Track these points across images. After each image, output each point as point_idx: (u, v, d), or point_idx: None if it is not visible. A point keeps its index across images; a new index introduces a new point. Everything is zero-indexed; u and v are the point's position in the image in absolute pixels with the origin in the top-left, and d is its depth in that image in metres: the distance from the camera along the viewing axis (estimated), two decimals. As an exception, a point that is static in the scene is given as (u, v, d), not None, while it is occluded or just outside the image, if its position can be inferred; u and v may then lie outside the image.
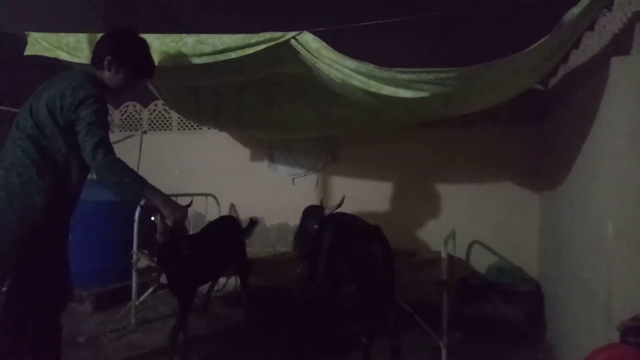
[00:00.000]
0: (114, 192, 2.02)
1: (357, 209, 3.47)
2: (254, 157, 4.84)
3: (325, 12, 4.35)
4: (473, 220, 4.01)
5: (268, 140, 4.71)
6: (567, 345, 2.81)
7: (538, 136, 3.84)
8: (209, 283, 3.57)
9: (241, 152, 4.86)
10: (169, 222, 2.08)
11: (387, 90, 2.31)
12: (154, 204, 2.07)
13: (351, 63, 2.30)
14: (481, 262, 3.96)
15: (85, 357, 2.90)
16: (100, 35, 2.63)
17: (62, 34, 2.81)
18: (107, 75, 2.17)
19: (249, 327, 3.35)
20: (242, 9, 4.73)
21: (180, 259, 2.49)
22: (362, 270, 2.35)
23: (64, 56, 2.81)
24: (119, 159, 1.99)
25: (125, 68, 2.18)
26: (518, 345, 3.19)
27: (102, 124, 2.00)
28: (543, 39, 2.09)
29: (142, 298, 3.54)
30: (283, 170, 4.74)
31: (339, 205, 2.29)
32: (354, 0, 4.40)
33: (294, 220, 4.66)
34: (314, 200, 4.58)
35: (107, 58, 2.14)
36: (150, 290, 3.57)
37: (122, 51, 2.17)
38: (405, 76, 2.21)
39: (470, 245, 4.02)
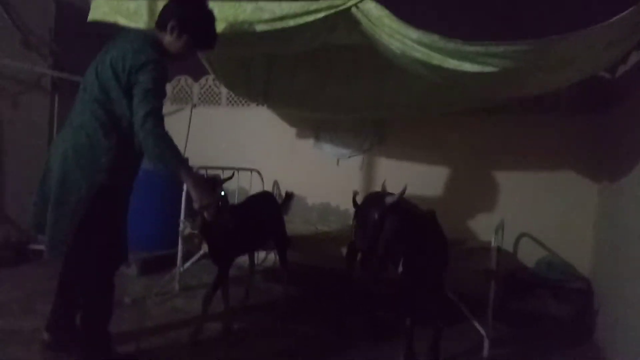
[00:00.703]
0: (152, 162, 2.03)
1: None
2: (300, 136, 4.83)
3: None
4: (523, 211, 3.85)
5: (315, 119, 4.68)
6: (619, 348, 2.67)
7: (600, 127, 3.62)
8: (248, 256, 3.61)
9: (288, 130, 4.85)
10: (195, 206, 2.10)
11: (451, 63, 2.20)
12: (185, 184, 2.08)
13: (414, 33, 2.21)
14: (529, 255, 3.81)
15: (130, 317, 3.00)
16: (161, 1, 2.66)
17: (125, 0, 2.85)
18: (168, 39, 2.17)
19: (288, 302, 3.37)
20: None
21: (220, 229, 2.53)
22: (415, 256, 2.30)
23: (122, 21, 2.85)
24: (166, 132, 2.00)
25: (188, 35, 2.17)
26: (565, 344, 3.06)
27: (158, 93, 2.01)
28: (627, 11, 1.93)
29: (186, 265, 3.63)
30: (328, 150, 4.70)
31: (402, 194, 2.23)
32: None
33: (337, 200, 4.69)
34: (358, 182, 4.55)
35: (171, 22, 2.13)
36: (195, 258, 3.65)
37: (188, 18, 2.16)
38: (472, 48, 2.11)
39: (519, 238, 3.87)
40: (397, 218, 2.21)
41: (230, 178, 2.71)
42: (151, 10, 2.82)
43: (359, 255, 2.94)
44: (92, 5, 2.94)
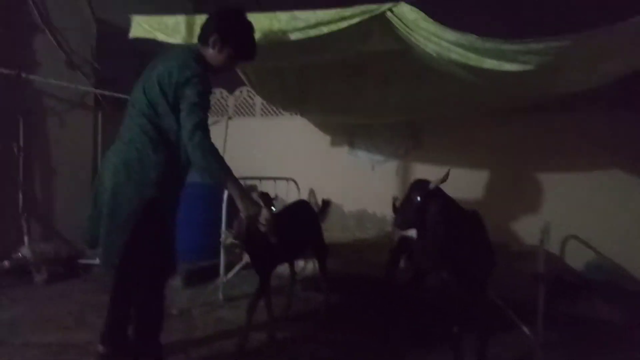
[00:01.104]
0: (199, 173, 2.07)
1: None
2: (335, 143, 4.85)
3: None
4: (570, 212, 3.74)
5: (349, 126, 4.69)
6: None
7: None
8: (288, 265, 3.63)
9: (322, 138, 4.88)
10: (242, 215, 2.14)
11: (489, 63, 2.18)
12: (232, 195, 2.12)
13: (451, 35, 2.19)
14: (578, 258, 3.68)
15: (178, 327, 3.07)
16: (198, 17, 2.74)
17: (163, 17, 2.95)
18: (210, 52, 2.22)
19: (329, 311, 3.37)
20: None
21: (262, 239, 2.56)
22: (461, 254, 2.27)
23: (162, 37, 2.95)
24: (212, 144, 2.05)
25: (230, 48, 2.22)
26: (617, 348, 2.94)
27: (203, 105, 2.07)
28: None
29: (229, 275, 3.69)
30: (363, 157, 4.71)
31: (444, 179, 2.21)
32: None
33: (373, 207, 4.67)
34: (394, 188, 4.52)
35: (213, 36, 2.19)
36: (237, 268, 3.70)
37: (229, 31, 2.21)
38: (511, 47, 2.08)
39: (566, 240, 3.75)
40: (440, 202, 2.19)
41: (270, 202, 2.76)
42: (189, 25, 2.91)
43: (402, 261, 2.94)
44: (133, 23, 3.05)
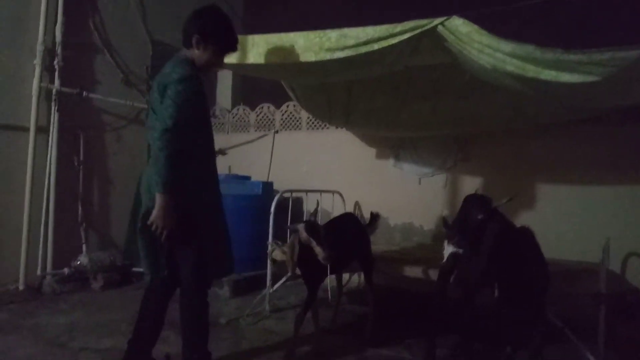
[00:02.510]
0: (152, 172, 2.13)
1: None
2: (380, 156, 4.83)
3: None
4: (630, 228, 3.52)
5: (394, 138, 4.66)
6: None
7: None
8: (335, 277, 3.62)
9: (367, 151, 4.87)
10: (150, 220, 2.15)
11: (548, 74, 2.12)
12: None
13: (506, 46, 2.15)
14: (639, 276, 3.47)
15: (227, 337, 3.12)
16: (250, 37, 2.82)
17: None
18: (196, 53, 2.28)
19: (376, 324, 3.32)
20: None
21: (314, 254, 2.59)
22: (514, 277, 2.19)
23: None
24: (171, 155, 2.06)
25: (211, 44, 2.27)
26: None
27: (178, 110, 2.07)
28: None
29: (275, 286, 3.73)
30: (409, 169, 4.65)
31: (510, 200, 2.16)
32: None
33: (419, 220, 4.60)
34: (441, 201, 4.44)
35: (194, 37, 2.24)
36: (284, 279, 3.73)
37: (208, 28, 2.26)
38: (572, 57, 2.01)
39: (627, 257, 3.54)
40: (500, 222, 2.13)
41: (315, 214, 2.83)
42: (242, 45, 2.97)
43: (452, 278, 2.86)
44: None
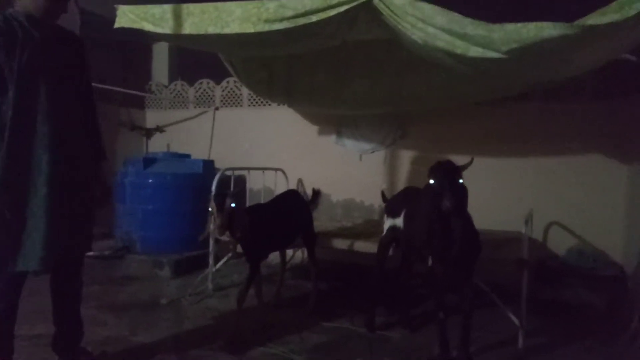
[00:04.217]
0: None
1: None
2: (322, 133, 4.87)
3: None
4: (551, 199, 3.83)
5: (336, 116, 4.71)
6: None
7: (627, 111, 3.57)
8: (279, 253, 3.66)
9: (309, 128, 4.90)
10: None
11: (475, 51, 2.21)
12: None
13: (442, 18, 2.21)
14: (560, 244, 3.78)
15: (168, 317, 3.09)
16: (185, 6, 2.72)
17: (149, 6, 2.92)
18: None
19: (319, 298, 3.41)
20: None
21: (246, 229, 2.60)
22: (447, 248, 2.32)
23: (148, 27, 2.91)
24: None
25: None
26: (600, 333, 3.03)
27: None
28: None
29: (218, 266, 3.71)
30: (351, 146, 4.73)
31: (470, 163, 2.29)
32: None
33: (361, 196, 4.71)
34: (381, 177, 4.57)
35: None
36: (225, 258, 3.72)
37: None
38: (499, 34, 2.11)
39: (548, 226, 3.85)
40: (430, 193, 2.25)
41: (238, 192, 2.83)
42: (175, 14, 2.88)
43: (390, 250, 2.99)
44: (118, 13, 3.01)
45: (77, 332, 2.34)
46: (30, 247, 1.96)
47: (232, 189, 3.84)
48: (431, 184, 2.26)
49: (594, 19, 2.05)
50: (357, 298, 3.55)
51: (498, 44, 2.18)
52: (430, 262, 2.48)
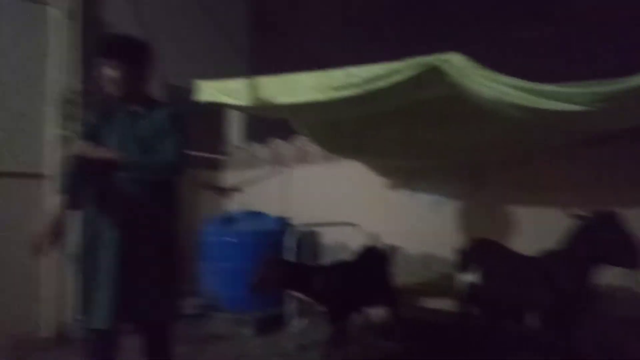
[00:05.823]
0: None
1: (509, 239, 3.26)
2: (394, 186, 4.85)
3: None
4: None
5: (408, 168, 4.70)
6: None
7: None
8: (359, 313, 3.61)
9: (380, 181, 4.90)
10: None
11: (547, 104, 2.20)
12: None
13: (507, 79, 2.25)
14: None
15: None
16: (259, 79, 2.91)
17: (228, 81, 3.16)
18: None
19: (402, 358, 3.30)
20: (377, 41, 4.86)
21: (336, 290, 2.61)
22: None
23: (226, 100, 3.16)
24: None
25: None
26: None
27: None
28: None
29: (299, 324, 3.71)
30: (423, 198, 4.67)
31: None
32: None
33: (436, 248, 4.56)
34: (457, 228, 4.42)
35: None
36: (306, 318, 3.73)
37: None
38: (569, 90, 2.13)
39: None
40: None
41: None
42: (252, 88, 3.09)
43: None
44: (197, 88, 3.27)
45: None
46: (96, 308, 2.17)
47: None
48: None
49: None
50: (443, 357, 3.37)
51: (569, 97, 2.16)
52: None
